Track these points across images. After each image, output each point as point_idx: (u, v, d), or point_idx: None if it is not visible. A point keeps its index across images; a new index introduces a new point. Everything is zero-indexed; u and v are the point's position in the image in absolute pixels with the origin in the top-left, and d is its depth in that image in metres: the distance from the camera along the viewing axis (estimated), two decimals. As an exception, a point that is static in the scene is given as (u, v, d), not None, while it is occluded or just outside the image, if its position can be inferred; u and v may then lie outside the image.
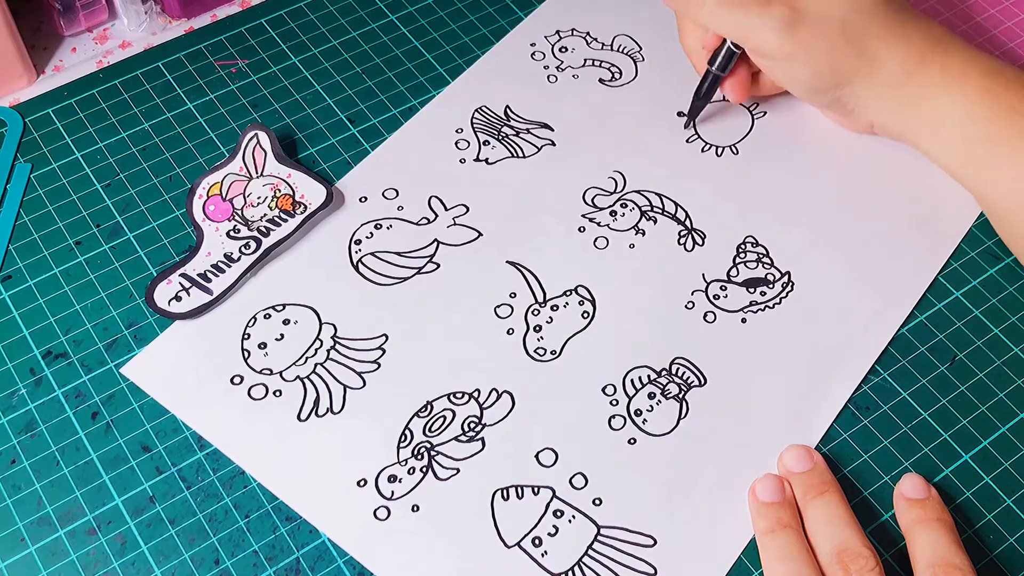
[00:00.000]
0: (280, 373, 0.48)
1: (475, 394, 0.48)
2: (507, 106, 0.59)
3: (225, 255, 0.51)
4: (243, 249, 0.51)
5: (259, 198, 0.53)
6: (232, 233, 0.52)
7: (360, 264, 0.52)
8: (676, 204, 0.55)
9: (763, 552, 0.43)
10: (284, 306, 0.50)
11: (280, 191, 0.53)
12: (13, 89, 0.58)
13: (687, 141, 0.58)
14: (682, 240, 0.54)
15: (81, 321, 0.50)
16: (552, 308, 0.51)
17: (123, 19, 0.62)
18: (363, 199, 0.54)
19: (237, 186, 0.54)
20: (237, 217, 0.53)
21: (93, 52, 0.61)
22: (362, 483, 0.45)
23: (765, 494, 0.44)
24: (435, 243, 0.53)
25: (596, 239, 0.54)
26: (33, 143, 0.56)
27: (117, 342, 0.49)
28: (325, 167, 0.56)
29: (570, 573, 0.43)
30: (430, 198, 0.55)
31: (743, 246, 0.53)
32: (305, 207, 0.53)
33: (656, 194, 0.55)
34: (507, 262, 0.53)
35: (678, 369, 0.49)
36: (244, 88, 0.59)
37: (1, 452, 0.46)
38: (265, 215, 0.53)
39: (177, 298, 0.50)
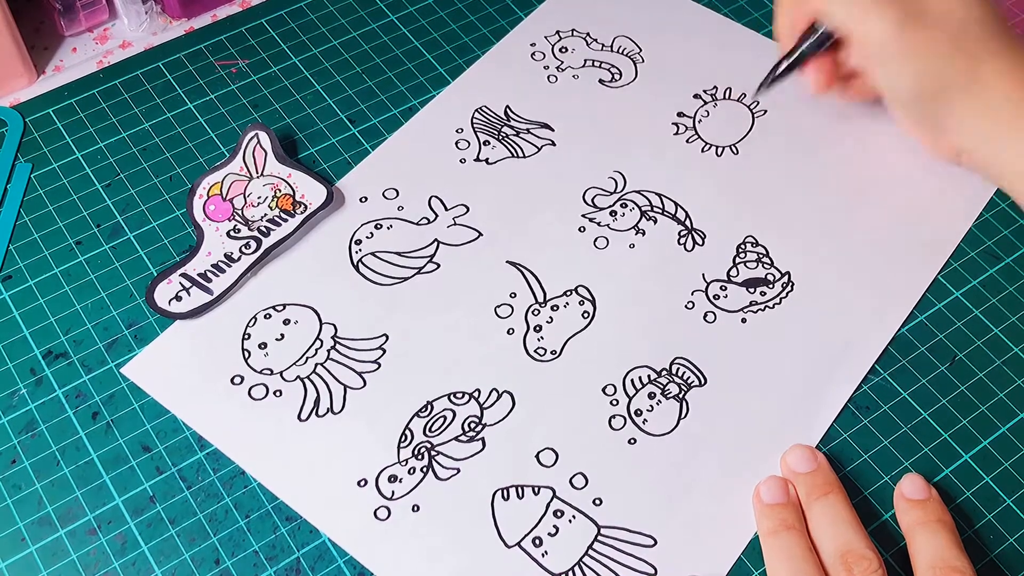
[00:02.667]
0: (280, 373, 0.48)
1: (475, 394, 0.48)
2: (507, 106, 0.59)
3: (225, 255, 0.51)
4: (243, 249, 0.51)
5: (259, 198, 0.53)
6: (232, 233, 0.52)
7: (360, 264, 0.52)
8: (676, 204, 0.55)
9: (767, 553, 0.43)
10: (284, 306, 0.50)
11: (280, 191, 0.53)
12: (13, 89, 0.58)
13: (687, 141, 0.58)
14: (682, 240, 0.54)
15: (81, 321, 0.50)
16: (552, 308, 0.51)
17: (123, 19, 0.62)
18: (363, 199, 0.54)
19: (237, 186, 0.54)
20: (237, 217, 0.53)
21: (93, 52, 0.61)
22: (362, 483, 0.45)
23: (769, 495, 0.44)
24: (435, 243, 0.53)
25: (596, 239, 0.54)
26: (33, 143, 0.56)
27: (117, 342, 0.49)
28: (325, 167, 0.56)
29: (570, 573, 0.43)
30: (430, 198, 0.55)
31: (743, 246, 0.53)
32: (305, 207, 0.53)
33: (656, 194, 0.55)
34: (507, 262, 0.53)
35: (678, 369, 0.49)
36: (244, 88, 0.59)
37: (1, 452, 0.46)
38: (265, 215, 0.53)
39: (177, 298, 0.50)
